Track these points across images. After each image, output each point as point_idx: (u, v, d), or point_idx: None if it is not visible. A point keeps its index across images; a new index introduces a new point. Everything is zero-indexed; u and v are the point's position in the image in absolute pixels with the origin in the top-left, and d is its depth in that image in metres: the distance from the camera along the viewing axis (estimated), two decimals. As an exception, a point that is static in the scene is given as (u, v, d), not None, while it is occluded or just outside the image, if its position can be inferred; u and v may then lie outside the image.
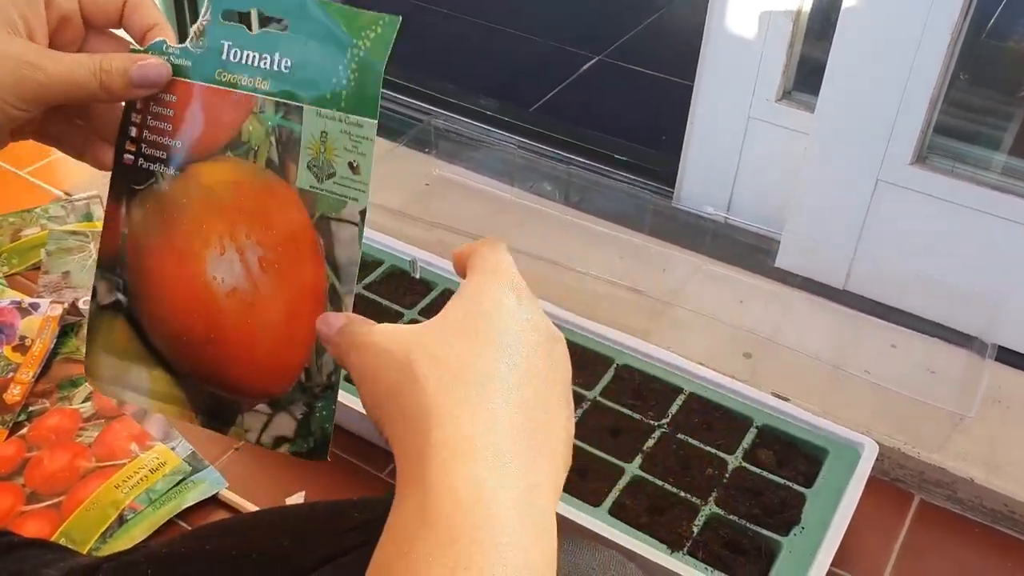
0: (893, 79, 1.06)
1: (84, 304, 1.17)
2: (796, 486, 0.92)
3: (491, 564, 0.32)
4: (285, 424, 0.50)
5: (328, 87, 0.48)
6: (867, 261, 1.17)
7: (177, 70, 0.49)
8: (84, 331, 1.12)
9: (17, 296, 1.17)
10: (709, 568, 0.84)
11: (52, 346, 1.09)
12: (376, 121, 0.48)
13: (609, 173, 1.37)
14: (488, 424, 0.37)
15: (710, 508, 0.89)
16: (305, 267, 0.49)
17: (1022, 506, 0.96)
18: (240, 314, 0.49)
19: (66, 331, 1.13)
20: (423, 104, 1.51)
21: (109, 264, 0.51)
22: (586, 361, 1.05)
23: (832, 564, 0.85)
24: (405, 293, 1.13)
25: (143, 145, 0.50)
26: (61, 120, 0.52)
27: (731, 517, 0.89)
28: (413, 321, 1.09)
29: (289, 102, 0.48)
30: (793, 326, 1.16)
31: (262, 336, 0.50)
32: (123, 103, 0.50)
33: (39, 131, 0.52)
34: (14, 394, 1.03)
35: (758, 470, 0.93)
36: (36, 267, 1.24)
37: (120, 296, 0.52)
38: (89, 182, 1.41)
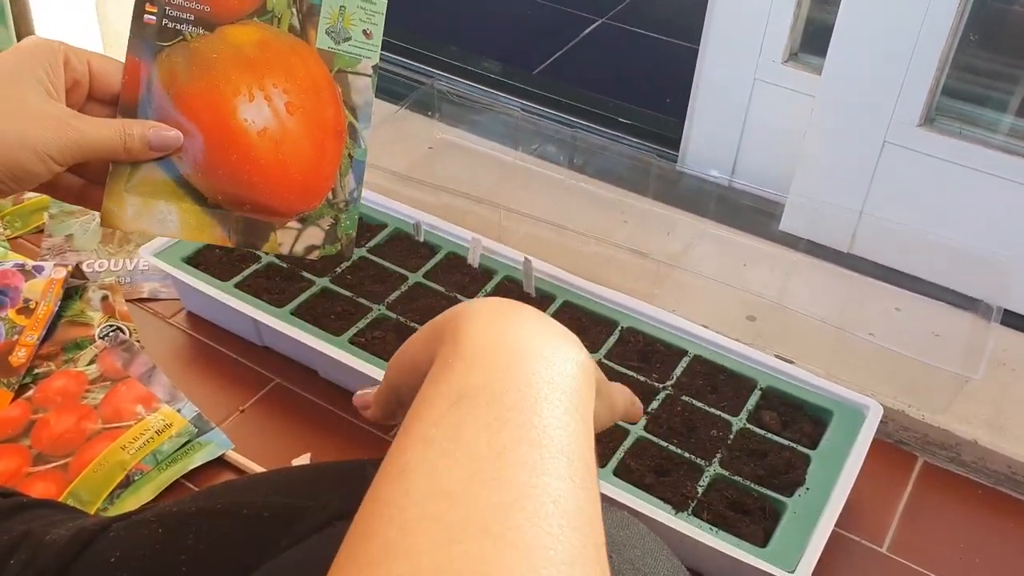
0: (901, 40, 1.05)
1: (87, 267, 1.17)
2: (801, 447, 0.92)
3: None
4: (314, 235, 0.59)
5: None
6: (872, 224, 1.16)
7: None
8: (88, 294, 1.12)
9: (20, 259, 1.16)
10: (714, 528, 0.84)
11: (56, 309, 1.09)
12: None
13: (613, 136, 1.37)
14: None
15: (715, 469, 0.89)
16: (327, 109, 0.58)
17: (1025, 468, 0.97)
18: (271, 149, 0.57)
19: (70, 294, 1.12)
20: (426, 67, 1.50)
21: (130, 112, 0.57)
22: (591, 324, 1.05)
23: (836, 525, 0.86)
24: (409, 256, 1.13)
25: (167, 7, 0.57)
26: (67, 172, 0.57)
27: (736, 478, 0.89)
28: (417, 283, 1.09)
29: None
30: (797, 289, 1.16)
31: (292, 166, 0.58)
32: None
33: (50, 182, 0.56)
34: (19, 356, 1.04)
35: (762, 432, 0.93)
36: (39, 230, 1.23)
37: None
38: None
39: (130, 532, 0.56)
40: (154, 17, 0.57)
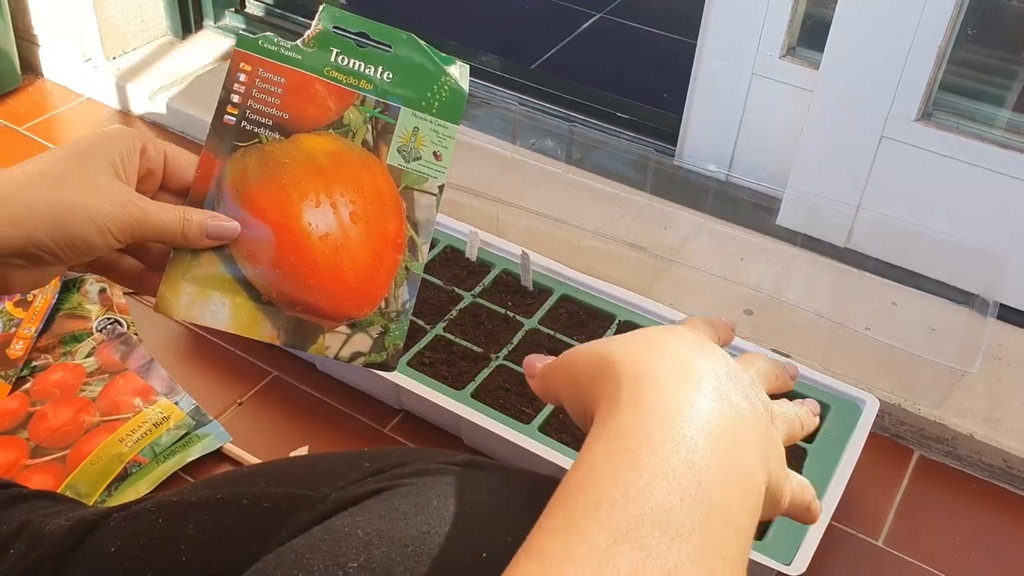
0: (899, 35, 1.05)
1: (85, 260, 1.17)
2: (797, 441, 0.92)
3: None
4: (362, 342, 0.60)
5: (423, 99, 0.60)
6: (869, 219, 1.17)
7: (288, 60, 0.59)
8: (86, 286, 1.12)
9: (18, 252, 1.16)
10: (711, 521, 0.84)
11: (54, 302, 1.09)
12: (459, 126, 0.60)
13: (611, 131, 1.37)
14: (686, 410, 0.40)
15: (712, 463, 0.90)
16: (390, 222, 0.60)
17: (1021, 462, 0.97)
18: (330, 254, 0.59)
19: (67, 287, 1.12)
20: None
21: (198, 203, 0.58)
22: (588, 318, 1.05)
23: (832, 518, 0.86)
24: (407, 250, 1.13)
25: (247, 111, 0.58)
26: (124, 254, 0.59)
27: (732, 471, 0.89)
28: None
29: (388, 102, 0.60)
30: (794, 283, 1.16)
31: (349, 273, 0.59)
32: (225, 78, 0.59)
33: (106, 262, 0.58)
34: (17, 349, 1.04)
35: (759, 425, 0.94)
36: (36, 223, 1.23)
37: None
38: (88, 138, 1.41)
39: (130, 522, 0.56)
40: (234, 119, 0.58)
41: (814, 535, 0.83)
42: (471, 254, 1.12)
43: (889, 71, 1.08)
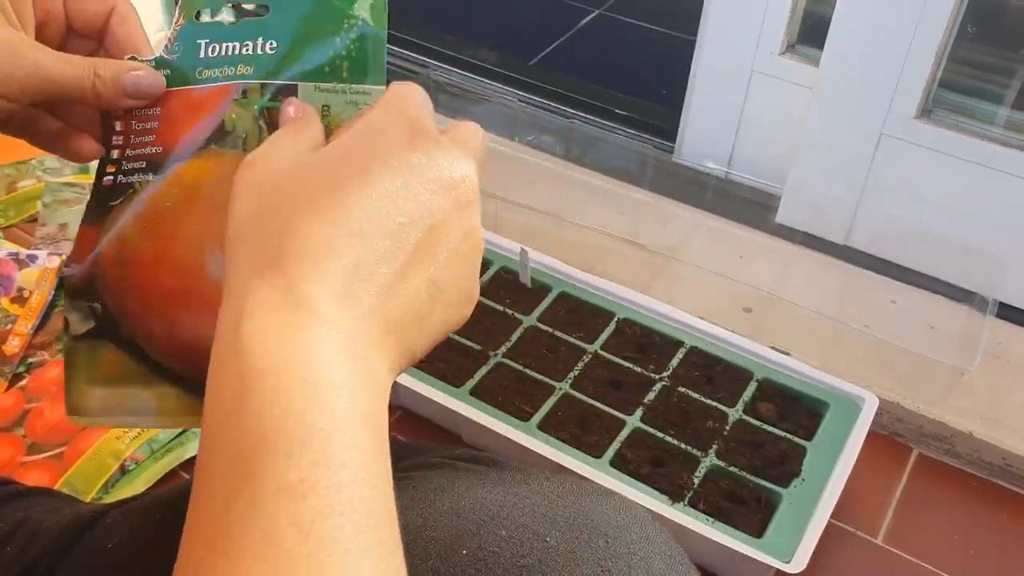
0: (899, 32, 1.05)
1: (82, 256, 1.17)
2: (797, 439, 0.92)
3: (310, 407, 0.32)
4: None
5: (324, 60, 0.46)
6: (869, 216, 1.16)
7: None
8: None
9: (14, 248, 1.16)
10: (710, 519, 0.84)
11: (50, 298, 1.09)
12: (385, 87, 0.45)
13: (610, 127, 1.36)
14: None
15: (711, 460, 0.90)
16: None
17: (1020, 460, 0.97)
18: None
19: (64, 283, 1.12)
20: (421, 57, 1.50)
21: (77, 292, 0.48)
22: (587, 315, 1.05)
23: (831, 516, 0.86)
24: (405, 246, 1.13)
25: (124, 162, 0.47)
26: (34, 110, 0.49)
27: (732, 469, 0.89)
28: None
29: (278, 82, 0.46)
30: (794, 281, 1.16)
31: None
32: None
33: (7, 121, 0.48)
34: (13, 346, 1.03)
35: (758, 423, 0.93)
36: (33, 219, 1.23)
37: (98, 322, 0.48)
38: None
39: (128, 518, 0.55)
40: (112, 177, 0.47)
41: (814, 532, 0.83)
42: (469, 251, 1.11)
43: (889, 68, 1.08)
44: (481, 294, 1.14)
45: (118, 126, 0.47)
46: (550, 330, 1.02)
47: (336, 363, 0.34)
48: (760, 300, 1.12)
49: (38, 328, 1.06)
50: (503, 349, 1.00)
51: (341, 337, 0.34)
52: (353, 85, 0.46)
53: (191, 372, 0.48)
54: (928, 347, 1.03)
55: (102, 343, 0.48)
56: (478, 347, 1.00)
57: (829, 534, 0.88)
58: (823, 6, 1.14)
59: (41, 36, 0.48)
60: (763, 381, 0.98)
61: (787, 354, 1.01)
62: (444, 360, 0.99)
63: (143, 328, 0.47)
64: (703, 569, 0.85)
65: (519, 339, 1.01)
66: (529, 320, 1.04)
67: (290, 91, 0.46)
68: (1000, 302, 1.08)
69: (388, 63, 1.59)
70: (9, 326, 1.05)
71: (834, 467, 0.89)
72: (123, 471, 0.92)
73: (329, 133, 0.44)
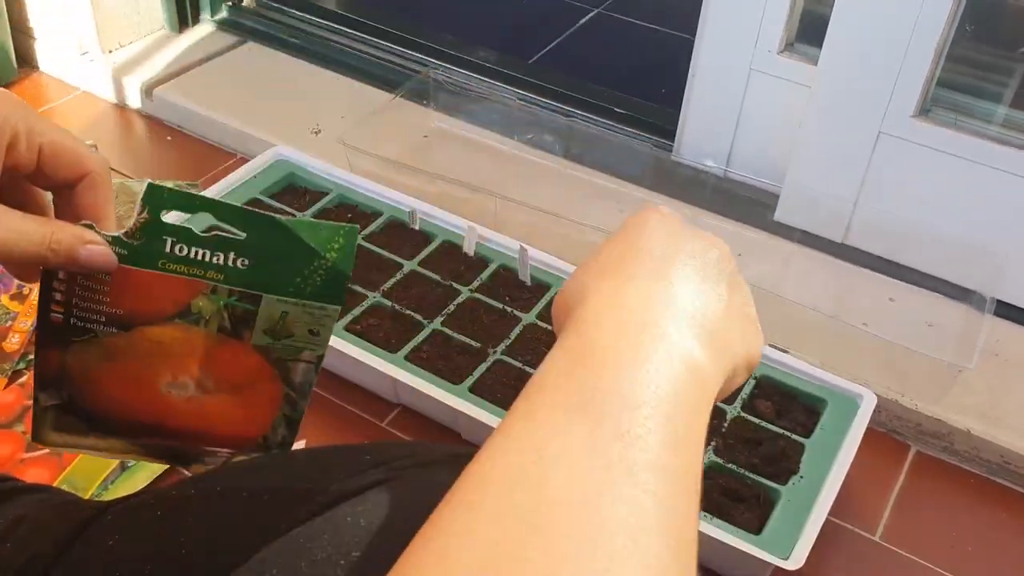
0: (897, 31, 1.05)
1: (81, 254, 1.17)
2: (795, 436, 0.92)
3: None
4: (245, 459, 0.56)
5: (291, 285, 0.49)
6: (867, 215, 1.17)
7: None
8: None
9: (14, 245, 1.16)
10: (709, 515, 0.84)
11: (50, 295, 1.09)
12: (340, 307, 0.51)
13: (609, 126, 1.36)
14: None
15: (709, 457, 0.90)
16: (262, 386, 0.53)
17: (1018, 457, 0.97)
18: (197, 414, 0.53)
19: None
20: (421, 56, 1.50)
21: (46, 385, 0.52)
22: (586, 313, 1.05)
23: (829, 513, 0.86)
24: (404, 244, 1.13)
25: (74, 308, 0.49)
26: None
27: (730, 466, 0.89)
28: (413, 272, 1.09)
29: (245, 290, 0.49)
30: (792, 279, 1.16)
31: (220, 427, 0.54)
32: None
33: None
34: (13, 343, 1.03)
35: (757, 420, 0.94)
36: (32, 217, 1.23)
37: (63, 402, 0.53)
38: (84, 132, 1.40)
39: (128, 515, 0.55)
40: (61, 316, 0.49)
41: (812, 529, 0.83)
42: (469, 249, 1.12)
43: (887, 67, 1.08)
44: (480, 291, 1.14)
45: (60, 274, 0.48)
46: (549, 328, 1.03)
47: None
48: (758, 298, 1.11)
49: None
50: (502, 346, 1.00)
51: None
52: (313, 303, 0.50)
53: (133, 439, 0.55)
54: (926, 345, 1.03)
55: (68, 414, 0.53)
56: (477, 344, 1.00)
57: (827, 531, 0.88)
58: (821, 5, 1.14)
59: (6, 180, 0.47)
60: (761, 379, 0.98)
61: (785, 352, 1.02)
62: (443, 358, 0.99)
63: (99, 413, 0.53)
64: (702, 566, 0.85)
65: (518, 337, 1.02)
66: (528, 318, 1.04)
67: (254, 298, 0.50)
68: (998, 300, 1.08)
69: (390, 62, 1.60)
70: (9, 323, 1.05)
71: (832, 464, 0.89)
72: (123, 468, 0.92)
73: (285, 333, 0.51)
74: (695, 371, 0.39)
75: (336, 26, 1.56)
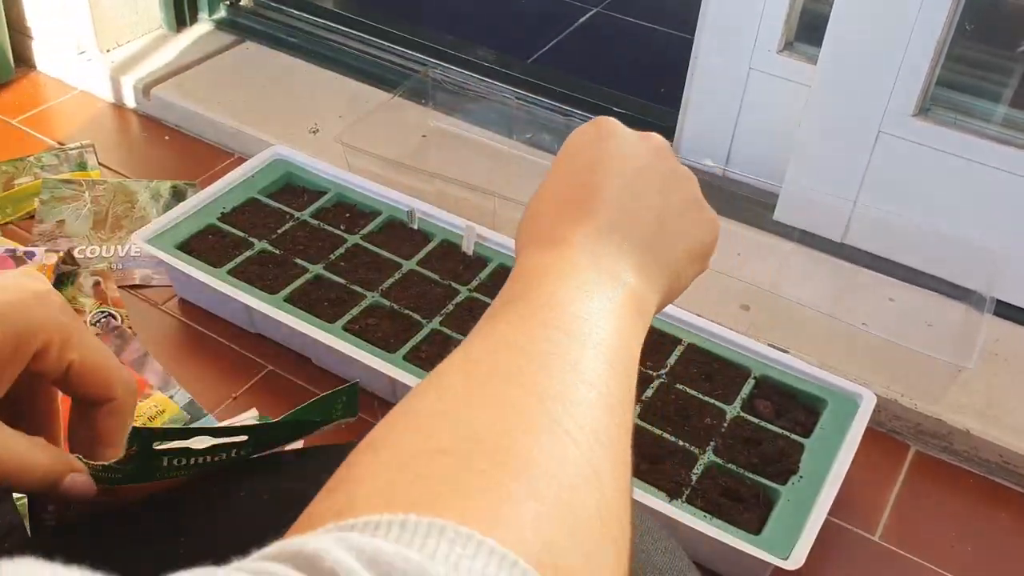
0: (897, 30, 1.05)
1: (79, 253, 1.16)
2: (794, 436, 0.92)
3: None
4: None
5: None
6: (866, 214, 1.16)
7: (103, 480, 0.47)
8: (80, 279, 1.12)
9: (11, 245, 1.16)
10: (708, 515, 0.84)
11: (48, 295, 1.08)
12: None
13: (608, 125, 1.36)
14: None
15: (708, 457, 0.90)
16: None
17: (1017, 457, 0.97)
18: None
19: (62, 280, 1.12)
20: (420, 55, 1.49)
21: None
22: (585, 312, 1.04)
23: (829, 513, 0.86)
24: (403, 243, 1.13)
25: (67, 513, 0.50)
26: None
27: (730, 466, 0.89)
28: (411, 271, 1.08)
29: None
30: (791, 279, 1.16)
31: None
32: None
33: None
34: (10, 342, 1.03)
35: (756, 420, 0.93)
36: (30, 216, 1.23)
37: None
38: (82, 131, 1.40)
39: (124, 517, 0.55)
40: (54, 521, 0.50)
41: (812, 529, 0.83)
42: (467, 248, 1.11)
43: (887, 66, 1.08)
44: (479, 291, 1.14)
45: (50, 507, 0.49)
46: (548, 327, 1.02)
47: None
48: (758, 297, 1.12)
49: (35, 325, 1.06)
50: (501, 346, 1.00)
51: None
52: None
53: None
54: (926, 344, 1.03)
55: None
56: (476, 344, 1.00)
57: (827, 531, 0.88)
58: (821, 4, 1.14)
59: (29, 379, 0.46)
60: (761, 378, 0.98)
61: (785, 351, 1.01)
62: (442, 358, 0.98)
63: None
64: (701, 566, 0.85)
65: (517, 336, 1.01)
66: (527, 317, 1.03)
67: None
68: (998, 300, 1.08)
69: (387, 61, 1.59)
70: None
71: (832, 464, 0.89)
72: (120, 468, 0.92)
73: None
74: (631, 300, 0.43)
75: (334, 25, 1.56)
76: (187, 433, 0.48)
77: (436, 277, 1.08)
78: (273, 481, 0.51)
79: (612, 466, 0.35)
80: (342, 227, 1.14)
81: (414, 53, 1.50)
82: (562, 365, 0.37)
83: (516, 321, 0.40)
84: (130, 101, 1.45)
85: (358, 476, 0.32)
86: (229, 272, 1.06)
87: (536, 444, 0.33)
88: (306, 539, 0.29)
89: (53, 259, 1.12)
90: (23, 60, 1.52)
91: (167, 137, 1.41)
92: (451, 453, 0.31)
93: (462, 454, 0.31)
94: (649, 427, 0.92)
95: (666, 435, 0.91)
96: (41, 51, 1.51)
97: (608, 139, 0.49)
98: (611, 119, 0.50)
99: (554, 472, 0.32)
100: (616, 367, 0.39)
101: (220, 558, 0.49)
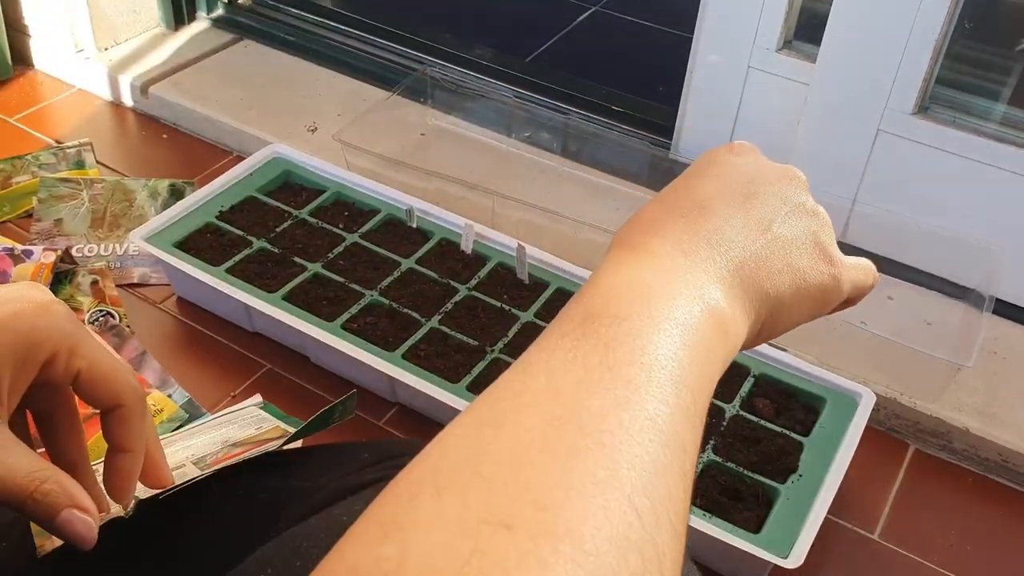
0: (896, 29, 1.05)
1: (77, 252, 1.16)
2: (794, 435, 0.92)
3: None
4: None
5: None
6: (865, 213, 1.16)
7: None
8: (78, 278, 1.12)
9: (9, 243, 1.15)
10: (708, 514, 0.84)
11: (46, 294, 1.08)
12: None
13: (606, 124, 1.36)
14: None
15: (708, 456, 0.89)
16: None
17: (1016, 455, 0.97)
18: None
19: (59, 279, 1.12)
20: (419, 53, 1.49)
21: None
22: (584, 311, 1.04)
23: (829, 512, 0.86)
24: (402, 242, 1.13)
25: None
26: None
27: (729, 465, 0.89)
28: (410, 270, 1.08)
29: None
30: (790, 278, 1.16)
31: None
32: None
33: None
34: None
35: (756, 419, 0.93)
36: (28, 215, 1.22)
37: None
38: (80, 130, 1.40)
39: (123, 517, 0.55)
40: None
41: (811, 527, 0.83)
42: (466, 247, 1.11)
43: (886, 65, 1.07)
44: (478, 290, 1.14)
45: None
46: (547, 326, 1.02)
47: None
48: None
49: (33, 324, 1.06)
50: (500, 345, 1.00)
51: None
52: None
53: None
54: (925, 343, 1.03)
55: None
56: (475, 343, 1.00)
57: (826, 530, 0.88)
58: (820, 2, 1.14)
59: (40, 387, 0.46)
60: (760, 377, 0.98)
61: (784, 350, 1.01)
62: (441, 356, 0.99)
63: None
64: (701, 565, 0.85)
65: (516, 335, 1.01)
66: (526, 316, 1.04)
67: None
68: (997, 298, 1.08)
69: (386, 59, 1.59)
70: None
71: (831, 463, 0.89)
72: (119, 467, 0.92)
73: None
74: (712, 318, 0.40)
75: (333, 23, 1.55)
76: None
77: (435, 275, 1.08)
78: (272, 480, 0.51)
79: (675, 544, 0.33)
80: (341, 226, 1.14)
81: (413, 52, 1.50)
82: (642, 420, 0.34)
83: (595, 351, 0.36)
84: (128, 99, 1.45)
85: (414, 524, 0.29)
86: (227, 271, 1.06)
87: (606, 527, 0.30)
88: None
89: (51, 258, 1.12)
90: (21, 58, 1.52)
91: (165, 135, 1.41)
92: (516, 530, 0.29)
93: (527, 535, 0.29)
94: (648, 426, 0.91)
95: (665, 434, 0.91)
96: (39, 49, 1.51)
97: (737, 156, 0.48)
98: (748, 143, 0.49)
99: (616, 567, 0.30)
100: (691, 414, 0.37)
101: (219, 555, 0.49)
